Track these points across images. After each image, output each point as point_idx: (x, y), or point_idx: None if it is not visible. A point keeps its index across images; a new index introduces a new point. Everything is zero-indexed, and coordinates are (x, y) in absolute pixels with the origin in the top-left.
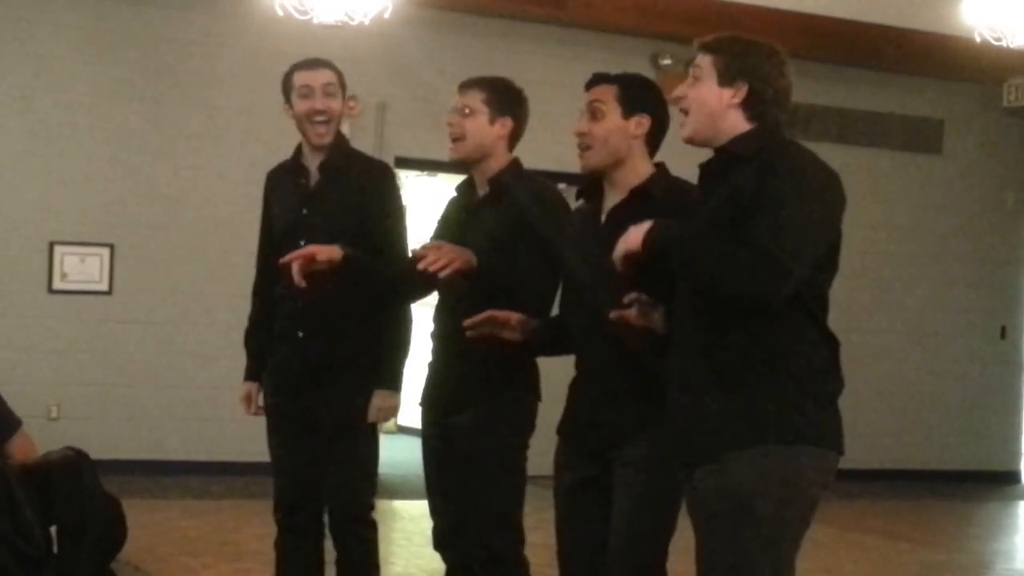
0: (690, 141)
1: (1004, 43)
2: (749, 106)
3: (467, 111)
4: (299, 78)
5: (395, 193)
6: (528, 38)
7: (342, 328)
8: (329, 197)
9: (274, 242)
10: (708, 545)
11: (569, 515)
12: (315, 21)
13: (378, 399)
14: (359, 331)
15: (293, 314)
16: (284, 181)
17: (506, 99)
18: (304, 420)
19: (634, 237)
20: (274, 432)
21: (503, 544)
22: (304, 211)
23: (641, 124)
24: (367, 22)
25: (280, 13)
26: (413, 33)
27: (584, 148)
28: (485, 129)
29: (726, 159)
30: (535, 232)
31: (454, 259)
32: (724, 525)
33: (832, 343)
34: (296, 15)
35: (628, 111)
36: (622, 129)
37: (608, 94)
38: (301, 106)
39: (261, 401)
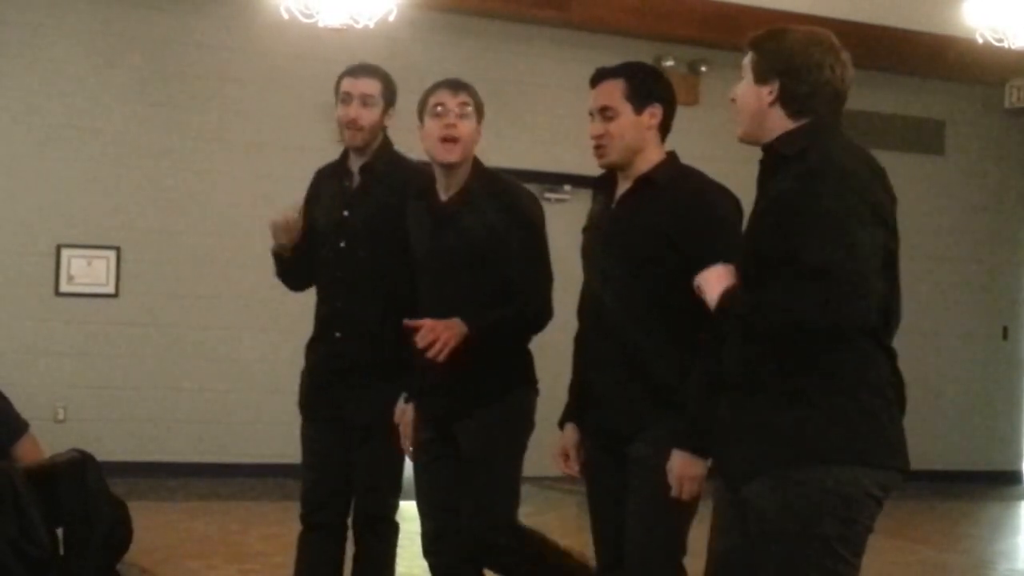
0: (743, 140)
1: (1006, 44)
2: (786, 103)
3: (465, 110)
4: (344, 84)
5: None
6: (532, 40)
7: (378, 332)
8: (369, 200)
9: (315, 240)
10: (764, 564)
11: (596, 503)
12: (320, 24)
13: (401, 404)
14: (394, 335)
15: (331, 315)
16: (330, 182)
17: (481, 104)
18: (336, 418)
19: (713, 290)
20: (308, 429)
21: (502, 539)
22: (345, 213)
23: (654, 115)
24: (371, 25)
25: (285, 16)
26: (417, 36)
27: (599, 147)
28: (475, 133)
29: (774, 157)
30: (524, 226)
31: (448, 339)
32: (784, 545)
33: (889, 354)
34: (301, 18)
35: (639, 106)
36: (636, 124)
37: (616, 93)
38: (339, 111)
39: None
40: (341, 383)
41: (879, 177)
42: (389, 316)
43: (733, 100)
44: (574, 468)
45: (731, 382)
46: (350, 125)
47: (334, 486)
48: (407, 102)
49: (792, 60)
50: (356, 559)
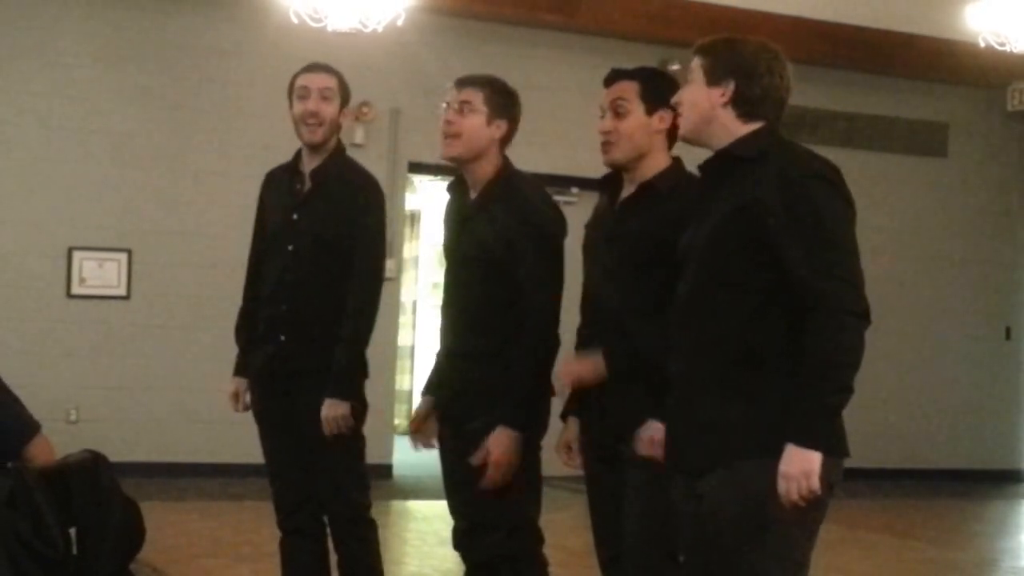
0: (686, 140)
1: (1008, 48)
2: (738, 104)
3: (466, 108)
4: (299, 80)
5: (378, 208)
6: (540, 44)
7: (323, 334)
8: (319, 204)
9: (267, 243)
10: (720, 552)
11: (595, 501)
12: (329, 28)
13: (324, 408)
14: (339, 336)
15: (276, 318)
16: (280, 183)
17: (505, 101)
18: (290, 423)
19: (808, 471)
20: (265, 436)
21: (522, 546)
22: (294, 216)
23: (663, 119)
24: (380, 29)
25: (295, 20)
26: (426, 40)
27: (606, 144)
28: (481, 130)
29: (729, 160)
30: (537, 234)
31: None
32: (740, 532)
33: None
34: (311, 22)
35: (651, 108)
36: (645, 126)
37: (630, 91)
38: (297, 107)
39: (249, 398)
40: (290, 388)
41: (840, 175)
42: (337, 320)
43: (679, 103)
44: (576, 462)
45: (684, 379)
46: (309, 119)
47: (301, 491)
48: (415, 105)
49: (746, 63)
50: (340, 566)
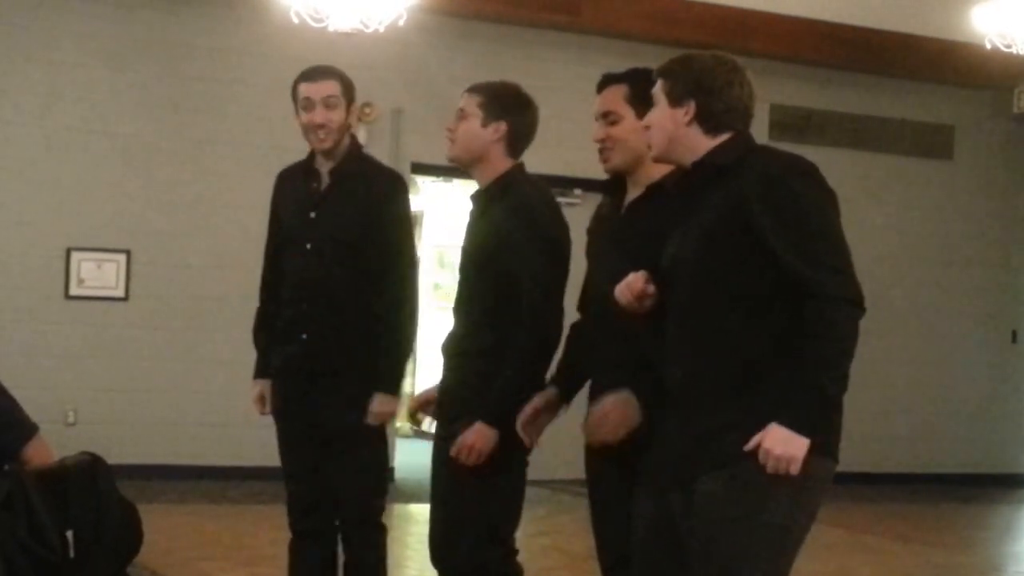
0: (658, 161)
1: (1014, 50)
2: (702, 120)
3: (461, 114)
4: (302, 89)
5: (404, 202)
6: (543, 45)
7: (346, 332)
8: (338, 202)
9: (281, 242)
10: (712, 549)
11: (597, 504)
12: (330, 28)
13: (375, 403)
14: (363, 335)
15: (298, 317)
16: (295, 183)
17: (502, 103)
18: (311, 424)
19: (793, 456)
20: (284, 436)
21: (493, 558)
22: (312, 215)
23: None
24: (382, 29)
25: (296, 21)
26: (428, 40)
27: (604, 151)
28: (476, 132)
29: (708, 171)
30: (534, 234)
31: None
32: (733, 530)
33: None
34: (312, 23)
35: (641, 110)
36: (638, 130)
37: (619, 97)
38: (303, 117)
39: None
40: (313, 387)
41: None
42: (359, 318)
43: (647, 127)
44: (534, 438)
45: (684, 390)
46: (318, 130)
47: (318, 493)
48: (417, 105)
49: (703, 80)
50: (345, 566)
